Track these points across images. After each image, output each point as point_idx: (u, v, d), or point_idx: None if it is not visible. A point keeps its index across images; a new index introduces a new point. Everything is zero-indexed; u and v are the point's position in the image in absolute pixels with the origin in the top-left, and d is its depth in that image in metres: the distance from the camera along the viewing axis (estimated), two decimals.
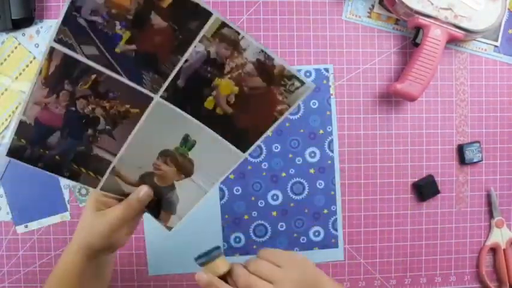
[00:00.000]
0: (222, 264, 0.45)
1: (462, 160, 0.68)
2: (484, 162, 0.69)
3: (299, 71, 0.67)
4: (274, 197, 0.68)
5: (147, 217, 0.52)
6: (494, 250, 0.70)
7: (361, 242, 0.68)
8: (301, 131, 0.67)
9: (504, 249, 0.69)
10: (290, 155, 0.67)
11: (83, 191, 0.67)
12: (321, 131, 0.67)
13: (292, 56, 0.67)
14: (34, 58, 0.65)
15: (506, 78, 0.69)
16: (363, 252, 0.69)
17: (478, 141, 0.68)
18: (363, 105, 0.68)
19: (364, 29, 0.68)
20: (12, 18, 0.63)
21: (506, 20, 0.68)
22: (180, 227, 0.52)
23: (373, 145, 0.68)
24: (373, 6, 0.68)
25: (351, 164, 0.68)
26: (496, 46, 0.69)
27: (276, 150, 0.67)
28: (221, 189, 0.67)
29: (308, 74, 0.67)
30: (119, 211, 0.48)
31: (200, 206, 0.50)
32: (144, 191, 0.49)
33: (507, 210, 0.70)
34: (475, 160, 0.68)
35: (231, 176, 0.67)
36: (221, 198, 0.67)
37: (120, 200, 0.50)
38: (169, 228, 0.52)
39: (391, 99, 0.68)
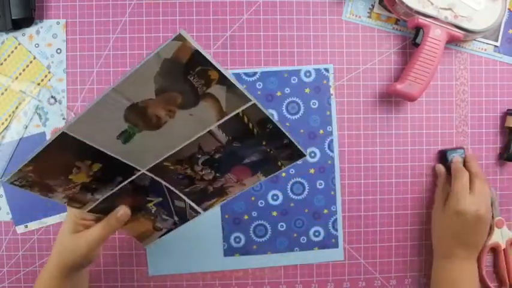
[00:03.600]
0: None
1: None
2: (483, 162, 0.69)
3: (299, 70, 0.67)
4: (274, 197, 0.68)
5: None
6: (494, 250, 0.70)
7: (361, 242, 0.68)
8: (301, 131, 0.67)
9: (504, 249, 0.69)
10: None
11: None
12: (321, 131, 0.67)
13: (292, 56, 0.67)
14: (34, 58, 0.65)
15: (506, 78, 0.69)
16: (362, 252, 0.69)
17: (463, 148, 0.67)
18: (363, 105, 0.68)
19: (364, 29, 0.68)
20: (12, 18, 0.63)
21: (506, 20, 0.68)
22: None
23: (373, 145, 0.68)
24: (373, 6, 0.68)
25: (351, 164, 0.68)
26: (496, 46, 0.69)
27: None
28: None
29: (308, 74, 0.67)
30: (98, 232, 0.49)
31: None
32: (122, 210, 0.50)
33: (507, 210, 0.70)
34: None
35: None
36: None
37: (97, 218, 0.51)
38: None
39: (391, 99, 0.68)
